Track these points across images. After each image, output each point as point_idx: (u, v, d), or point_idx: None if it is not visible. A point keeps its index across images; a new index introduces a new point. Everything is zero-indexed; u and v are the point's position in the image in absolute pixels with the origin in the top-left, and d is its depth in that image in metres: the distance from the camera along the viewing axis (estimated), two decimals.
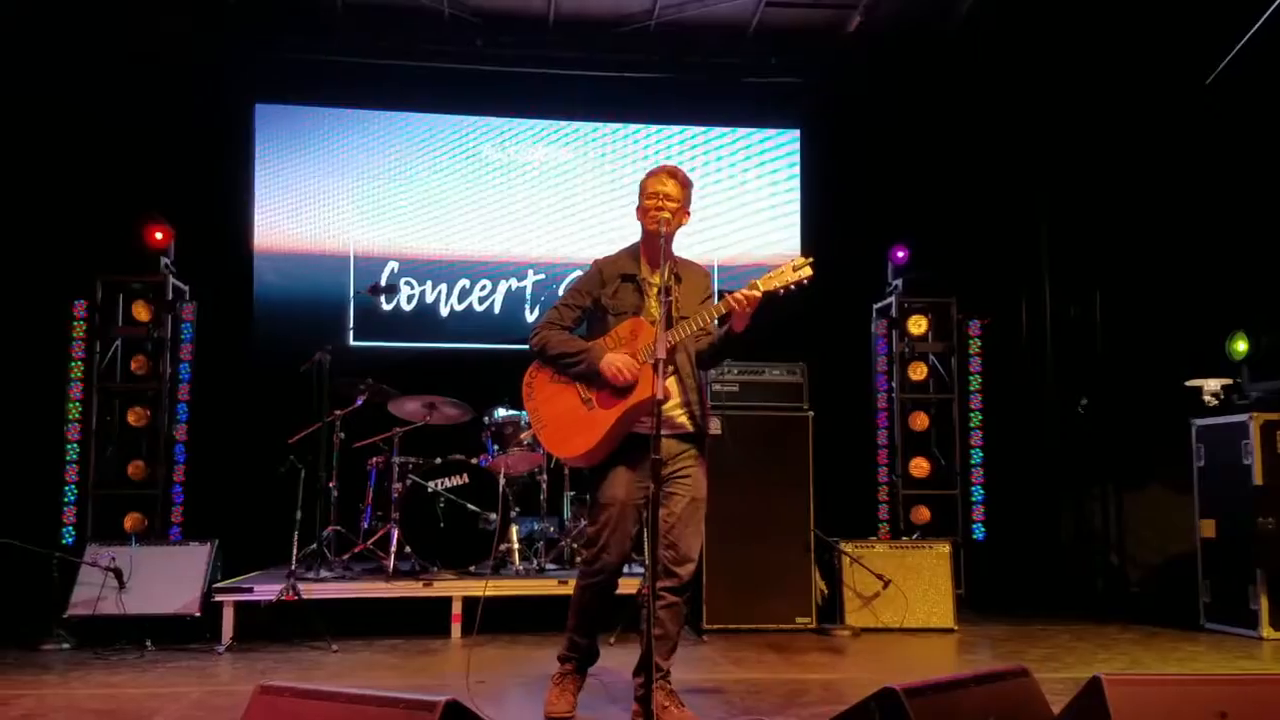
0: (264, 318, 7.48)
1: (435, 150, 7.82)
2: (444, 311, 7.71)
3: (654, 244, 3.64)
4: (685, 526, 3.68)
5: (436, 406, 6.27)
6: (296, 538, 5.59)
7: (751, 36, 7.48)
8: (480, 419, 6.45)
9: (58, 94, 6.95)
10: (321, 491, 5.92)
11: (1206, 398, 6.07)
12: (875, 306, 7.41)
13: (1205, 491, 5.91)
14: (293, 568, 5.45)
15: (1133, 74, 7.20)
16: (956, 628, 5.77)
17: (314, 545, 5.94)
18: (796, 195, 8.06)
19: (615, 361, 3.58)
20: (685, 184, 3.75)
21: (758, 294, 3.41)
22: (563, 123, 7.92)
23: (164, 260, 6.65)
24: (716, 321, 3.72)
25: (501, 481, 5.92)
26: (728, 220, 7.95)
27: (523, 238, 7.81)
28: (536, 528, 6.27)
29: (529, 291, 7.77)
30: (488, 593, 5.52)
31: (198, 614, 5.39)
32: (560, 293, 7.57)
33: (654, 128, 7.99)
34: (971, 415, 7.23)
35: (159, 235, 6.61)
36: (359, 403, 6.19)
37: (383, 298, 6.54)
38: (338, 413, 6.12)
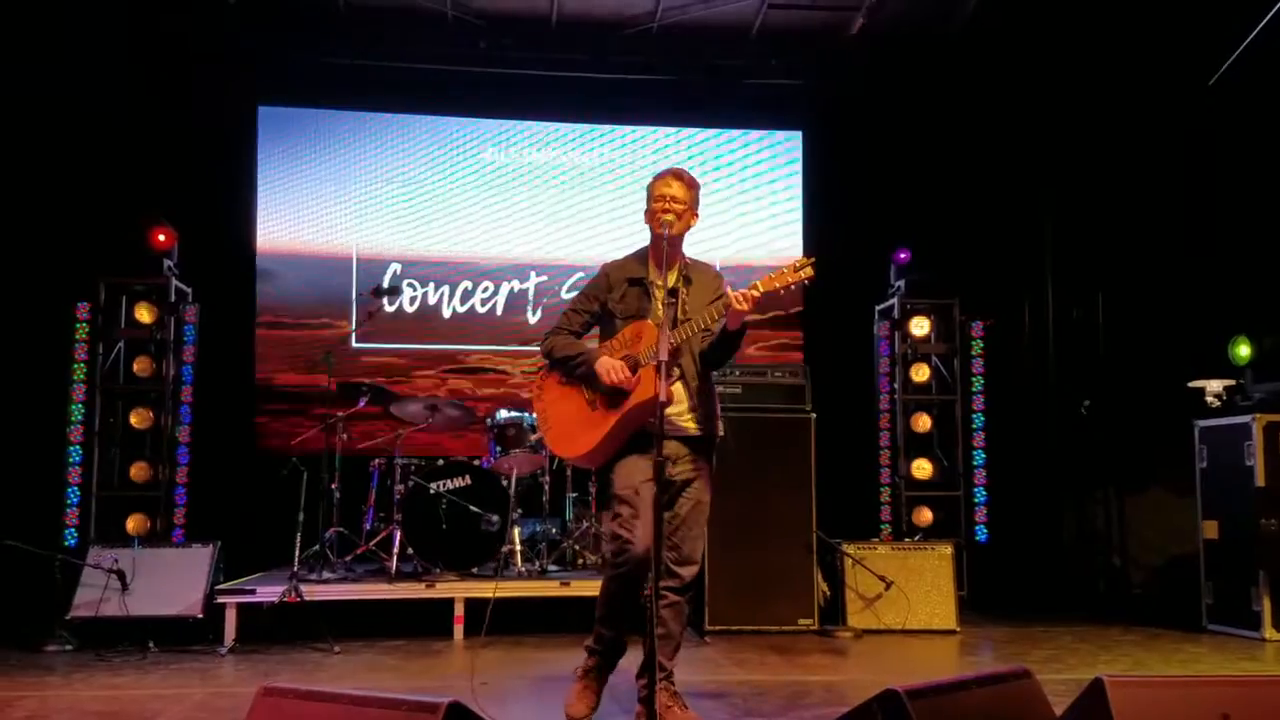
0: (266, 319, 7.48)
1: (438, 152, 7.82)
2: (446, 313, 7.71)
3: (662, 247, 3.65)
4: (689, 529, 3.70)
5: (438, 408, 6.28)
6: (299, 539, 5.59)
7: (754, 38, 7.48)
8: (482, 420, 6.46)
9: (61, 96, 6.95)
10: (324, 493, 5.92)
11: (1209, 399, 6.07)
12: (877, 308, 7.41)
13: (1208, 493, 5.91)
14: (295, 569, 5.45)
15: (1135, 75, 7.20)
16: (959, 629, 5.77)
17: (316, 547, 5.94)
18: (799, 197, 8.06)
19: (606, 363, 3.62)
20: (691, 185, 3.76)
21: (757, 294, 3.40)
22: (565, 125, 7.92)
23: (167, 262, 6.66)
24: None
25: (504, 483, 5.93)
26: (729, 222, 7.95)
27: (525, 239, 7.82)
28: (539, 529, 6.27)
29: (531, 293, 7.77)
30: (488, 594, 5.52)
31: (200, 615, 5.39)
32: (564, 295, 7.62)
33: (656, 129, 7.99)
34: (974, 416, 7.24)
35: (162, 237, 6.62)
36: (361, 404, 6.19)
37: (385, 299, 6.55)
38: (340, 414, 6.12)
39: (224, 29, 7.05)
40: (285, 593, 5.22)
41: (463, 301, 7.72)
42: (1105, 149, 7.58)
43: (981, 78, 7.58)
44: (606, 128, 7.96)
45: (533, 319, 7.71)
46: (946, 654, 5.33)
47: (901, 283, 7.24)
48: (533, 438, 6.03)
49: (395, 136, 7.78)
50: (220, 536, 5.79)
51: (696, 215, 3.79)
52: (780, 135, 8.10)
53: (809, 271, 3.36)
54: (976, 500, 7.19)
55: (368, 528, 6.27)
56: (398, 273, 7.64)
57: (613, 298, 3.78)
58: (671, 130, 8.01)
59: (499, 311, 7.74)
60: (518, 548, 6.03)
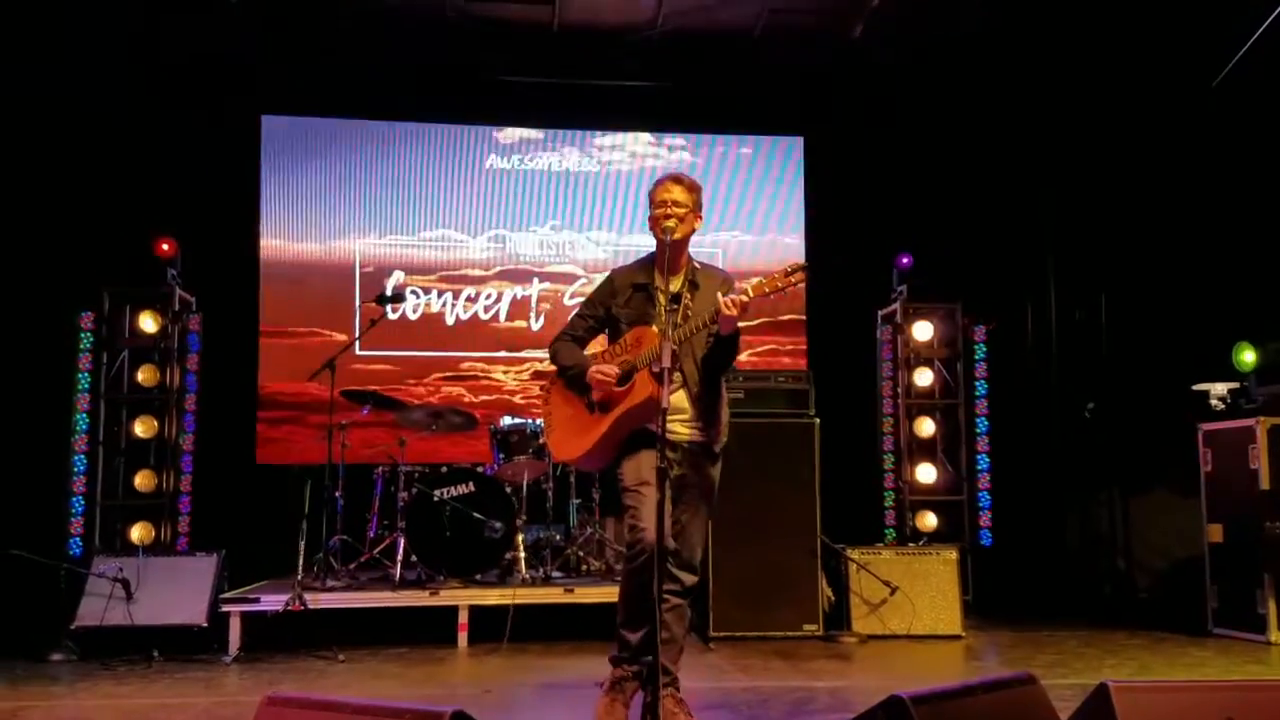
0: (269, 328, 7.50)
1: (440, 159, 7.83)
2: (449, 320, 7.72)
3: (665, 252, 3.65)
4: (690, 535, 3.71)
5: (442, 415, 6.28)
6: (303, 547, 5.59)
7: (755, 44, 7.48)
8: (486, 427, 6.46)
9: (63, 106, 6.99)
10: (327, 501, 5.92)
11: (1213, 402, 6.06)
12: (880, 312, 7.41)
13: (1212, 496, 5.89)
14: (299, 577, 5.46)
15: (1138, 78, 7.20)
16: (964, 634, 5.75)
17: (320, 555, 5.94)
18: (801, 202, 8.07)
19: (596, 368, 3.66)
20: (692, 188, 3.76)
21: (747, 299, 3.40)
22: (567, 131, 7.93)
23: (170, 271, 6.68)
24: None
25: (508, 489, 5.93)
26: (731, 228, 7.96)
27: (528, 246, 7.82)
28: (542, 536, 6.27)
29: (534, 300, 7.78)
30: (492, 601, 5.53)
31: (205, 624, 5.39)
32: (567, 302, 7.63)
33: (658, 135, 8.00)
34: (977, 420, 7.22)
35: (165, 246, 6.63)
36: (365, 412, 6.20)
37: (389, 307, 6.56)
38: (344, 422, 6.13)
39: (226, 39, 7.06)
40: (289, 601, 5.23)
41: (466, 308, 7.73)
42: (1108, 151, 7.58)
43: (983, 81, 7.58)
44: (608, 134, 7.97)
45: (536, 325, 7.72)
46: (951, 659, 5.32)
47: (904, 287, 7.24)
48: (539, 442, 6.03)
49: (397, 144, 7.79)
50: (224, 545, 5.80)
51: (700, 218, 3.80)
52: (782, 141, 8.11)
53: (800, 276, 3.36)
54: (981, 504, 7.18)
55: (372, 535, 6.27)
56: (400, 279, 7.66)
57: (617, 303, 3.80)
58: (673, 136, 8.02)
59: (502, 318, 7.75)
60: (522, 554, 6.03)
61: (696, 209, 3.77)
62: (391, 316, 7.37)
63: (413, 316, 7.64)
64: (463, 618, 5.54)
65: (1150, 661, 5.08)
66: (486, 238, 7.80)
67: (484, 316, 7.73)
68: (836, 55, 7.52)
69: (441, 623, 5.56)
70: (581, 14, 7.22)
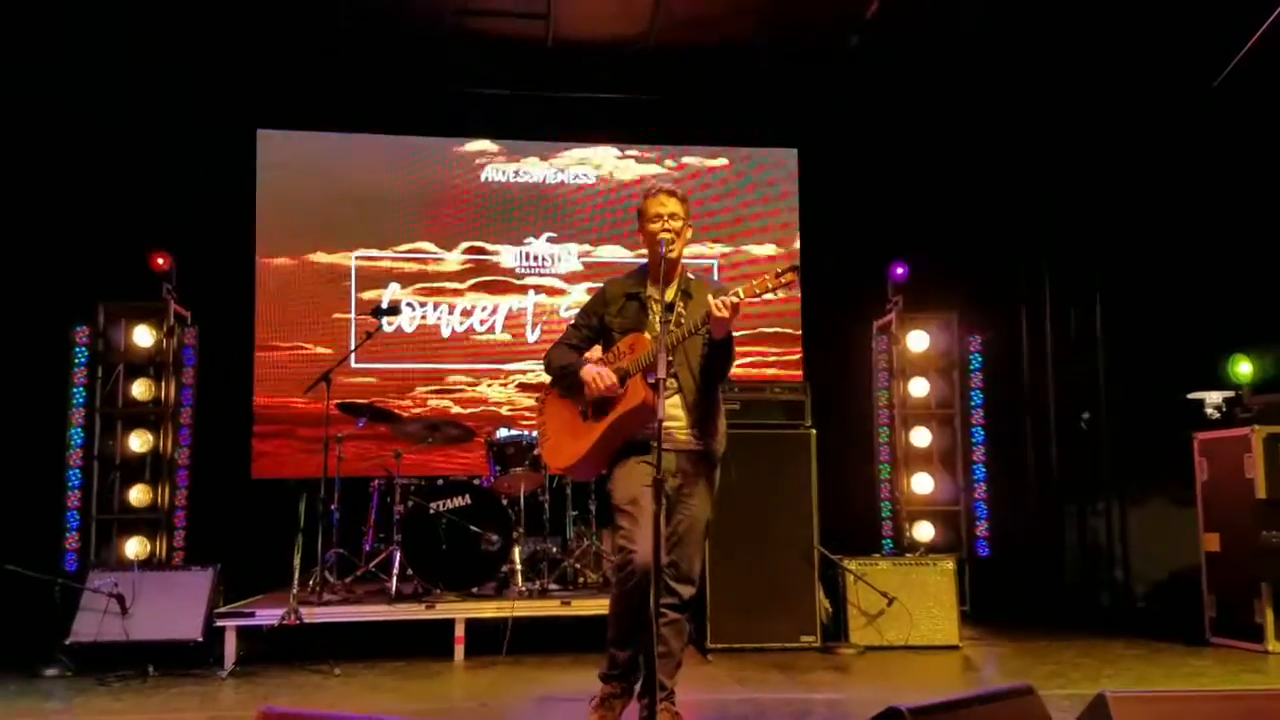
0: (265, 341, 7.49)
1: (435, 172, 7.84)
2: (445, 332, 7.72)
3: (660, 264, 3.66)
4: (686, 546, 3.70)
5: (438, 428, 6.27)
6: (298, 561, 5.58)
7: (749, 56, 7.50)
8: (482, 440, 6.45)
9: (60, 121, 7.00)
10: (323, 514, 5.91)
11: (1208, 411, 6.06)
12: (876, 323, 7.42)
13: (1208, 505, 5.89)
14: (295, 591, 5.44)
15: (1134, 88, 7.23)
16: (961, 645, 5.75)
17: (316, 568, 5.92)
18: (795, 214, 8.09)
19: (589, 371, 3.67)
20: (685, 200, 3.79)
21: (738, 300, 3.40)
22: (562, 144, 7.95)
23: (165, 285, 6.67)
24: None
25: (504, 502, 5.92)
26: (726, 240, 7.97)
27: (523, 258, 7.83)
28: (539, 548, 6.26)
29: (530, 312, 7.78)
30: (489, 614, 5.52)
31: (200, 639, 5.37)
32: (563, 314, 7.63)
33: (652, 149, 8.02)
34: (973, 430, 7.23)
35: (160, 260, 6.63)
36: (361, 424, 6.19)
37: (384, 319, 6.56)
38: (339, 435, 6.12)
39: (222, 54, 7.08)
40: (285, 615, 5.21)
41: (462, 321, 7.73)
42: (1103, 160, 7.61)
43: (979, 92, 7.61)
44: (603, 148, 7.98)
45: (532, 337, 7.72)
46: (949, 670, 5.31)
47: (899, 297, 7.24)
48: (536, 454, 6.02)
49: (393, 157, 7.81)
50: (220, 559, 5.79)
51: (691, 228, 3.84)
52: (776, 152, 8.13)
53: (791, 277, 3.36)
54: (978, 515, 7.18)
55: (368, 548, 6.25)
56: (396, 292, 7.66)
57: (609, 312, 3.82)
58: (667, 149, 8.04)
59: (498, 330, 7.75)
60: (518, 567, 6.02)
61: (688, 220, 3.80)
62: (387, 329, 7.37)
63: (408, 329, 7.65)
64: (459, 631, 5.52)
65: (1148, 671, 5.07)
66: (482, 249, 7.80)
67: (480, 329, 7.73)
68: (830, 67, 7.54)
69: (438, 636, 5.54)
70: (575, 29, 7.24)
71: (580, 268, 7.80)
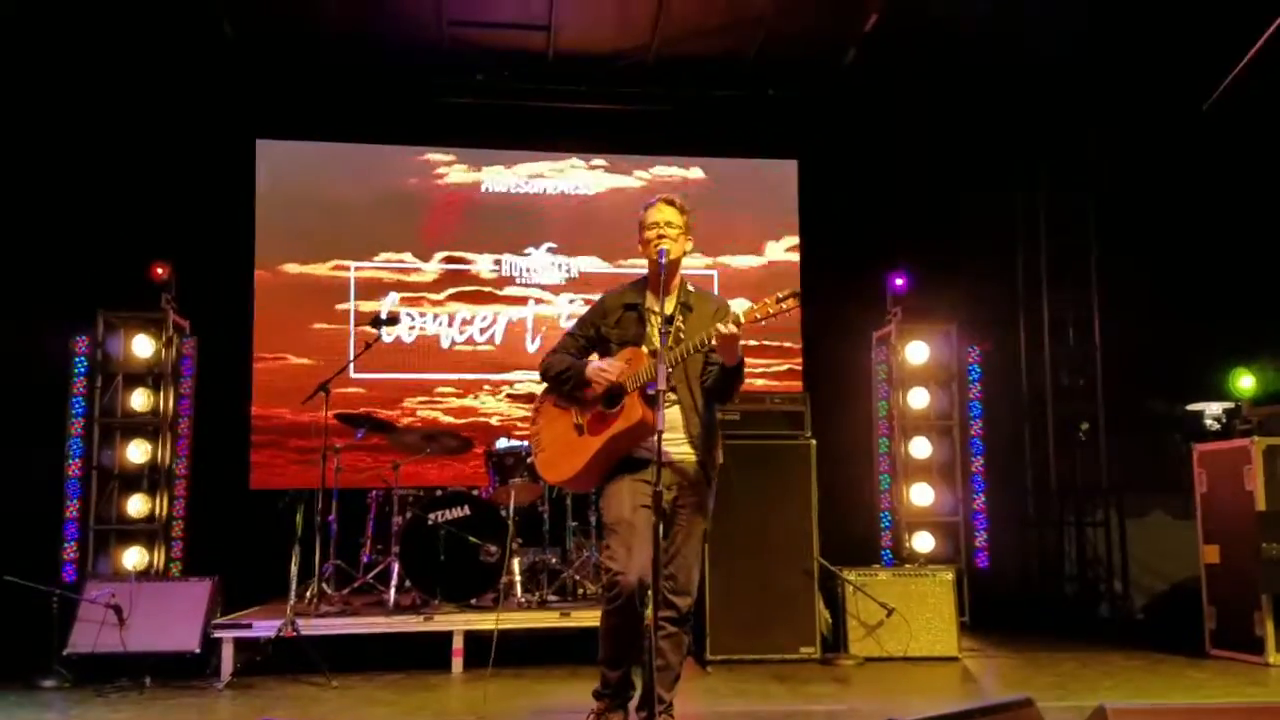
0: (263, 352, 7.50)
1: (436, 182, 7.86)
2: (445, 343, 7.72)
3: (658, 274, 3.66)
4: (683, 559, 3.69)
5: (437, 438, 6.27)
6: (296, 572, 5.56)
7: (749, 68, 7.53)
8: (480, 451, 6.45)
9: (59, 130, 7.01)
10: (321, 525, 5.90)
11: (1208, 422, 6.06)
12: (875, 334, 7.42)
13: (1208, 517, 5.88)
14: (292, 603, 5.42)
15: (1133, 97, 7.25)
16: (960, 656, 5.74)
17: (314, 579, 5.91)
18: (795, 224, 8.10)
19: (594, 368, 3.67)
20: (683, 210, 3.79)
21: (735, 330, 3.39)
22: (562, 155, 7.97)
23: (165, 295, 6.67)
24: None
25: (503, 513, 5.91)
26: (726, 250, 7.99)
27: (523, 268, 7.84)
28: (538, 559, 6.25)
29: (530, 322, 7.79)
30: (488, 625, 5.49)
31: (198, 650, 5.35)
32: (563, 324, 7.64)
33: (652, 159, 8.04)
34: (972, 441, 7.22)
35: (160, 270, 6.64)
36: (359, 435, 6.18)
37: (383, 329, 6.55)
38: (337, 445, 6.11)
39: (221, 64, 7.10)
40: (282, 627, 5.19)
41: (461, 331, 7.73)
42: (1103, 171, 7.64)
43: (976, 102, 7.63)
44: (603, 157, 8.00)
45: (532, 348, 7.72)
46: (949, 681, 5.30)
47: (898, 308, 7.25)
48: (529, 461, 6.01)
49: (392, 167, 7.83)
50: (218, 570, 5.76)
51: (691, 240, 3.83)
52: (776, 163, 8.15)
53: (793, 303, 3.36)
54: (977, 525, 7.17)
55: (366, 560, 6.24)
56: (396, 302, 7.67)
57: (607, 323, 3.81)
58: (667, 159, 8.06)
59: (498, 341, 7.76)
60: (517, 578, 6.01)
61: (688, 230, 3.79)
62: (386, 339, 7.38)
63: (408, 339, 7.65)
64: (457, 643, 5.50)
65: (1148, 683, 5.06)
66: (481, 260, 7.81)
67: (479, 339, 7.74)
68: (830, 79, 7.57)
69: (436, 648, 5.52)
70: (576, 41, 7.26)
71: (578, 277, 7.81)
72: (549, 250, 7.87)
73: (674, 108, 7.80)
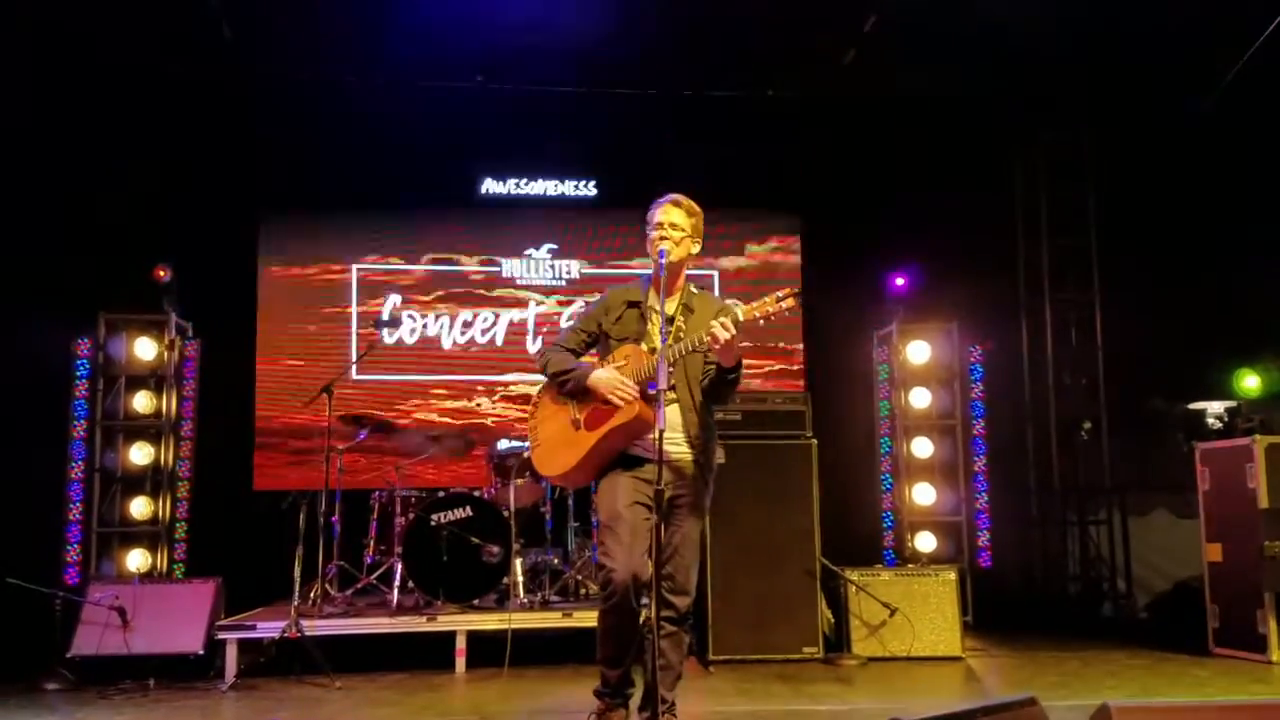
0: (265, 353, 7.51)
1: (437, 182, 7.85)
2: (446, 344, 7.73)
3: (660, 274, 3.66)
4: (681, 558, 3.69)
5: (439, 439, 6.27)
6: (299, 574, 5.57)
7: (749, 68, 7.51)
8: (483, 452, 6.45)
9: (60, 133, 7.01)
10: (324, 527, 5.90)
11: (1210, 421, 6.06)
12: (876, 333, 7.42)
13: (1211, 515, 5.88)
14: (296, 604, 5.43)
15: (1134, 94, 7.25)
16: (964, 655, 5.73)
17: (317, 581, 5.91)
18: (796, 224, 8.09)
19: (603, 377, 3.65)
20: (692, 212, 3.78)
21: (731, 333, 3.39)
22: (561, 156, 7.95)
23: (167, 297, 6.67)
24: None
25: (505, 514, 5.91)
26: (726, 251, 7.98)
27: (524, 270, 7.84)
28: (541, 560, 6.25)
29: (531, 323, 7.79)
30: (490, 626, 5.51)
31: (201, 652, 5.36)
32: (564, 324, 7.64)
33: (650, 159, 8.00)
34: (975, 441, 7.22)
35: (162, 272, 6.63)
36: (362, 436, 6.19)
37: (385, 331, 6.55)
38: (340, 447, 6.12)
39: (220, 55, 7.09)
40: (286, 628, 5.20)
41: (463, 332, 7.74)
42: (1104, 169, 7.63)
43: (976, 101, 7.63)
44: (604, 157, 7.97)
45: (533, 349, 7.72)
46: (952, 681, 5.30)
47: (900, 308, 7.24)
48: (525, 455, 6.00)
49: (394, 166, 7.82)
50: (221, 571, 5.77)
51: (698, 242, 3.82)
52: (776, 163, 8.12)
53: (791, 302, 3.36)
54: (979, 525, 7.16)
55: (369, 560, 6.24)
56: (397, 303, 7.67)
57: (609, 320, 3.81)
58: (666, 159, 8.03)
59: (499, 342, 7.76)
60: (520, 579, 6.01)
61: (695, 233, 3.79)
62: (388, 340, 7.39)
63: (409, 340, 7.66)
64: (460, 643, 5.51)
65: (1151, 682, 5.06)
66: (482, 260, 7.82)
67: (481, 341, 7.75)
68: (830, 78, 7.55)
69: (439, 648, 5.53)
70: (575, 40, 7.23)
71: (578, 278, 7.81)
72: (549, 252, 7.87)
73: (672, 106, 7.78)
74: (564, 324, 7.61)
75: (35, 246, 6.92)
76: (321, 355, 7.47)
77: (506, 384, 7.71)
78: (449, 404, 7.66)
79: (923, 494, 7.02)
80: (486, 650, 5.41)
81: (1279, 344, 6.42)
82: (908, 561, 6.76)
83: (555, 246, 7.87)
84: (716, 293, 7.52)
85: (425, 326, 7.69)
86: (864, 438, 7.37)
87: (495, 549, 5.76)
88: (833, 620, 5.89)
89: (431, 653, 5.54)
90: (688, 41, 7.18)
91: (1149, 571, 7.52)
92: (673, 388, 3.59)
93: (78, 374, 6.48)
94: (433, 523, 5.79)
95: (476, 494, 6.07)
